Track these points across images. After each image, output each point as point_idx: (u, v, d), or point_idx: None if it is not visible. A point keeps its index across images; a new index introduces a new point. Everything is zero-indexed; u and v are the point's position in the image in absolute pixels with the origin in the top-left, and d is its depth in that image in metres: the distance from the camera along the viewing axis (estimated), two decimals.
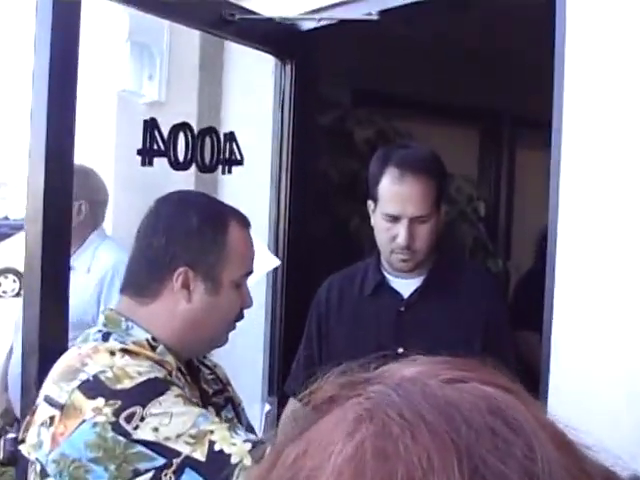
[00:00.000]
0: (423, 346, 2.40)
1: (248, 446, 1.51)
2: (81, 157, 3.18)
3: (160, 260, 1.72)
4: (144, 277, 1.75)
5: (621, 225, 1.82)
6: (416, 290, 2.56)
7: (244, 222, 1.82)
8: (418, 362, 0.67)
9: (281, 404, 3.03)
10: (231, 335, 3.42)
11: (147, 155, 2.52)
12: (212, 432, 1.51)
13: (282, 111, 3.18)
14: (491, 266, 4.28)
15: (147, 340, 1.69)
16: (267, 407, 3.00)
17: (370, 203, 2.55)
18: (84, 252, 3.24)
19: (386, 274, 2.60)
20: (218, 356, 3.46)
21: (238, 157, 2.84)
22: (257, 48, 3.11)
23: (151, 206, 1.80)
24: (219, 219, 1.77)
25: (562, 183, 1.95)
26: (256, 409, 3.01)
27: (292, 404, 2.79)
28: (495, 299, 2.60)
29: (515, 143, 5.63)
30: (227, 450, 1.50)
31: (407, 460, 0.54)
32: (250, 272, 1.83)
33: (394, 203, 2.45)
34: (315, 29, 3.01)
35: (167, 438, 1.49)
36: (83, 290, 3.12)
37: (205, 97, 3.46)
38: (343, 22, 2.86)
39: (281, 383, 3.15)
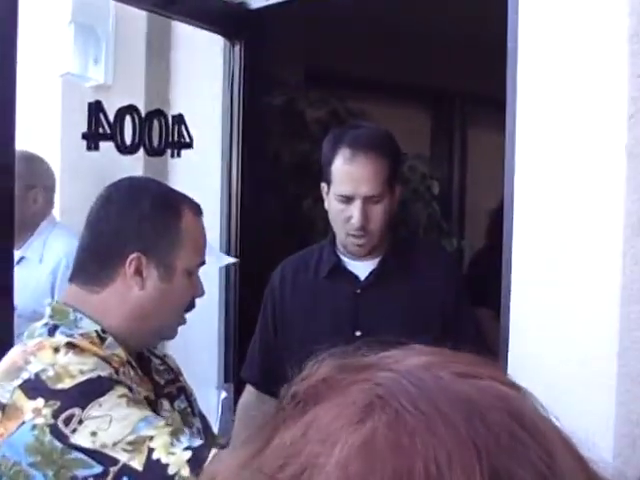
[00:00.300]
0: (380, 329, 2.40)
1: (187, 455, 1.46)
2: (26, 143, 3.12)
3: (112, 247, 1.69)
4: (95, 265, 1.70)
5: (575, 201, 1.81)
6: (372, 272, 2.52)
7: (197, 210, 1.78)
8: (419, 351, 0.63)
9: (237, 390, 3.01)
10: (190, 320, 3.40)
11: (93, 139, 2.46)
12: (152, 438, 1.47)
13: (231, 92, 3.13)
14: (445, 245, 4.28)
15: (96, 332, 1.65)
16: (223, 394, 2.97)
17: (323, 185, 2.51)
18: (35, 241, 3.17)
19: (342, 256, 2.56)
20: (174, 342, 3.42)
21: (187, 140, 2.79)
22: (204, 28, 3.06)
23: (101, 193, 1.75)
24: (173, 205, 1.73)
25: (517, 159, 1.93)
26: (212, 396, 2.98)
27: (249, 391, 2.76)
28: (453, 279, 2.57)
29: (467, 122, 5.64)
30: (164, 460, 1.45)
31: (425, 455, 0.50)
32: (203, 262, 1.79)
33: (347, 183, 2.41)
34: (265, 8, 2.96)
35: (104, 445, 1.44)
36: (36, 281, 3.06)
37: (153, 79, 3.39)
38: (293, 1, 2.81)
39: (237, 369, 3.12)
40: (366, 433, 0.52)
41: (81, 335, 1.62)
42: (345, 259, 2.55)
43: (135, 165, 3.04)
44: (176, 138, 2.75)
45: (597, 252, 1.77)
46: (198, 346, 3.32)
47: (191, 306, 1.81)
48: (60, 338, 1.59)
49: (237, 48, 3.08)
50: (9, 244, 2.28)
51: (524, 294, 1.94)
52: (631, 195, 1.66)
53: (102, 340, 1.64)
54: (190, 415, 1.85)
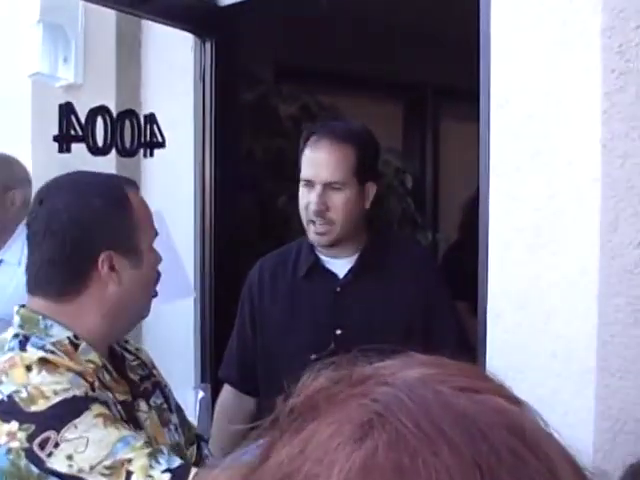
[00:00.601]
0: (360, 326, 2.40)
1: (166, 478, 1.45)
2: None
3: (79, 254, 1.64)
4: (64, 276, 1.66)
5: (551, 194, 1.81)
6: (350, 270, 2.51)
7: (135, 186, 1.78)
8: (416, 361, 0.62)
9: (215, 390, 3.00)
10: (162, 320, 3.39)
11: (64, 141, 2.43)
12: (130, 461, 1.45)
13: (203, 90, 3.11)
14: (420, 239, 4.28)
15: (68, 338, 1.62)
16: (201, 394, 2.96)
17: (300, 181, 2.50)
18: (14, 244, 3.12)
19: (320, 255, 2.54)
20: (151, 342, 3.41)
21: (160, 139, 2.76)
22: (175, 26, 3.04)
23: (38, 204, 1.69)
24: (118, 192, 1.70)
25: (492, 152, 1.93)
26: (190, 396, 2.97)
27: (226, 391, 2.76)
28: (433, 278, 2.56)
29: (439, 114, 5.64)
30: None
31: (427, 477, 0.50)
32: (156, 232, 1.79)
33: (308, 167, 2.42)
34: (234, 5, 2.94)
35: (81, 470, 1.42)
36: (15, 284, 3.02)
37: (124, 78, 3.36)
38: None
39: (214, 369, 3.10)
40: (366, 453, 0.51)
41: (53, 344, 1.59)
42: (323, 257, 2.53)
43: (107, 165, 3.01)
44: (148, 138, 2.72)
45: (574, 246, 1.77)
46: (175, 346, 3.31)
47: (158, 277, 1.80)
48: (32, 353, 1.55)
49: (207, 45, 3.06)
50: None
51: (500, 288, 1.94)
52: (607, 191, 1.66)
53: (75, 347, 1.62)
54: (167, 411, 1.84)
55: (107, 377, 1.65)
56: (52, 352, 1.57)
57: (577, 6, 1.73)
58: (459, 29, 2.91)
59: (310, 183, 2.40)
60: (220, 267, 3.18)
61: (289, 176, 4.09)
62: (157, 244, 2.68)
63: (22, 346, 1.57)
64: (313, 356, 2.37)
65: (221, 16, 3.00)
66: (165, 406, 1.84)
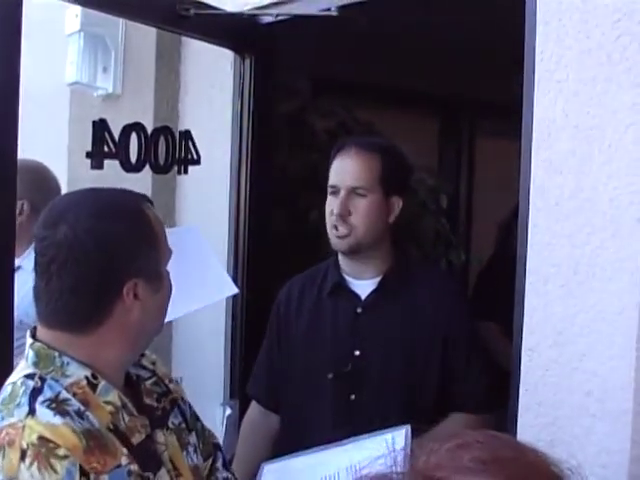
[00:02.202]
0: (379, 349, 2.42)
1: None
2: (33, 154, 3.10)
3: (106, 284, 1.55)
4: (88, 307, 1.56)
5: (590, 233, 1.79)
6: (373, 292, 2.52)
7: (148, 201, 1.68)
8: (476, 461, 0.65)
9: (243, 406, 3.00)
10: (192, 336, 3.39)
11: (97, 158, 2.43)
12: None
13: (241, 105, 3.11)
14: (453, 259, 4.26)
15: (86, 378, 1.54)
16: (228, 411, 2.97)
17: None
18: (32, 252, 3.14)
19: (345, 275, 2.56)
20: (182, 359, 3.42)
21: (195, 156, 2.76)
22: (215, 43, 3.04)
23: (49, 226, 1.57)
24: (138, 212, 1.61)
25: (532, 186, 1.91)
26: (218, 412, 2.97)
27: (253, 407, 2.76)
28: (456, 311, 2.53)
29: (474, 130, 5.61)
30: None
31: None
32: (171, 249, 1.70)
33: (334, 174, 2.49)
34: (275, 22, 2.94)
35: None
36: (26, 290, 3.03)
37: (162, 91, 3.37)
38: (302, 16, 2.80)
39: (242, 385, 3.10)
40: None
41: (69, 388, 1.51)
42: (348, 278, 2.56)
43: (143, 178, 3.02)
44: (183, 155, 2.72)
45: (613, 284, 1.75)
46: (205, 362, 3.31)
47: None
48: (39, 420, 1.45)
49: (247, 62, 3.07)
50: (10, 258, 2.24)
51: (536, 322, 1.92)
52: None
53: (94, 387, 1.54)
54: (185, 431, 1.77)
55: (126, 418, 1.58)
56: (64, 409, 1.47)
57: (623, 42, 1.71)
58: (497, 44, 2.89)
59: (335, 189, 2.47)
60: (253, 283, 3.18)
61: (323, 191, 4.11)
62: (197, 257, 2.71)
63: (31, 403, 1.47)
64: (330, 375, 2.46)
65: (261, 33, 3.00)
66: (183, 426, 1.78)
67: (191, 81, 3.40)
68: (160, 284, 1.63)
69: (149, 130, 2.73)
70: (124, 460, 1.51)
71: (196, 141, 3.05)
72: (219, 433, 2.92)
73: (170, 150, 2.66)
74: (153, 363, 1.83)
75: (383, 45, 4.04)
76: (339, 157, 2.50)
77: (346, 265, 2.55)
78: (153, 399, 1.73)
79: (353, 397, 2.45)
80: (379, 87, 4.58)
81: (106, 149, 2.43)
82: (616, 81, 1.72)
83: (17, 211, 3.12)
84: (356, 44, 3.76)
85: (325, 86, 4.35)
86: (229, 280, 2.90)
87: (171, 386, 1.83)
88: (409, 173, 2.68)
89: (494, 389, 2.39)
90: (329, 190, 2.49)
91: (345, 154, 2.49)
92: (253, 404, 2.76)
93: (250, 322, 3.14)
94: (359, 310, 2.52)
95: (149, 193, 3.30)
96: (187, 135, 2.75)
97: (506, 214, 4.12)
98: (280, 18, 2.90)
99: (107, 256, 1.54)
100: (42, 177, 3.23)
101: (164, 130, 2.65)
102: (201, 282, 2.75)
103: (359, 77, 4.30)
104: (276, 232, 3.50)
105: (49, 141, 3.78)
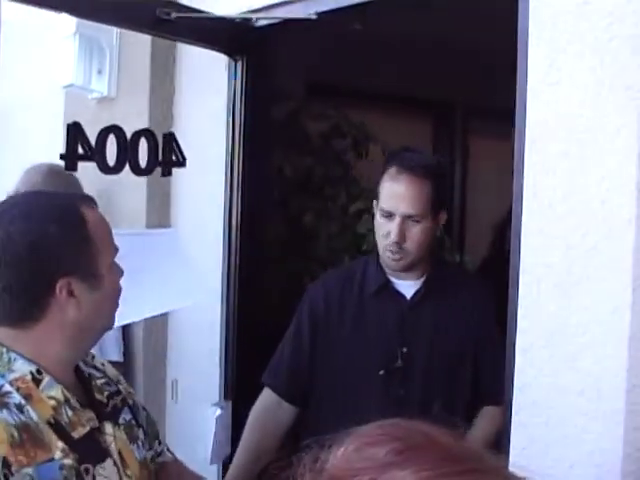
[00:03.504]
0: (423, 348, 2.54)
1: None
2: (28, 156, 3.11)
3: (36, 282, 1.61)
4: (21, 305, 1.63)
5: (584, 234, 1.80)
6: (418, 291, 2.65)
7: (91, 202, 1.73)
8: (412, 462, 0.65)
9: (236, 407, 3.01)
10: (186, 337, 3.39)
11: (70, 160, 2.45)
12: None
13: (233, 107, 3.12)
14: (447, 260, 4.25)
15: (31, 373, 1.61)
16: (218, 411, 2.98)
17: (375, 202, 2.63)
18: None
19: (390, 277, 2.67)
20: (177, 359, 3.42)
21: (179, 158, 2.76)
22: (201, 46, 3.06)
23: None
24: (74, 216, 1.65)
25: (525, 188, 1.93)
26: (208, 413, 2.99)
27: (268, 394, 2.79)
28: (488, 313, 2.64)
29: (468, 132, 5.63)
30: None
31: None
32: (117, 248, 1.74)
33: (389, 199, 2.54)
34: (268, 26, 2.95)
35: None
36: None
37: (157, 93, 3.38)
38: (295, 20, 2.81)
39: (235, 386, 3.12)
40: None
41: (13, 382, 1.58)
42: (392, 279, 2.67)
43: (138, 181, 3.03)
44: (167, 157, 2.72)
45: (606, 285, 1.76)
46: (200, 364, 3.32)
47: (120, 289, 1.77)
48: None
49: (239, 64, 3.07)
50: None
51: (530, 323, 1.93)
52: None
53: (38, 382, 1.61)
54: (135, 427, 1.85)
55: (69, 413, 1.64)
56: (4, 401, 1.55)
57: (616, 45, 1.72)
58: (489, 46, 2.91)
59: (390, 214, 2.53)
60: (247, 284, 3.18)
61: (317, 193, 4.12)
62: (171, 260, 2.73)
63: None
64: (382, 372, 2.58)
65: (254, 36, 3.00)
66: (134, 422, 1.86)
67: (186, 83, 3.41)
68: (99, 283, 1.67)
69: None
70: (58, 454, 1.57)
71: (190, 143, 3.06)
72: (210, 433, 2.94)
73: (152, 152, 2.66)
74: (103, 364, 1.92)
75: (376, 48, 4.06)
76: (392, 182, 2.55)
77: (389, 270, 2.66)
78: (104, 396, 1.80)
79: (402, 392, 2.58)
80: (372, 89, 4.59)
81: (82, 151, 2.44)
82: (608, 84, 1.73)
83: None
84: (349, 46, 3.78)
85: (319, 88, 4.35)
86: (200, 287, 2.90)
87: (121, 387, 1.91)
88: (450, 185, 2.78)
89: None
90: (381, 212, 2.56)
91: (400, 180, 2.53)
92: (267, 392, 2.79)
93: (243, 325, 3.14)
94: (406, 309, 2.65)
95: (144, 195, 3.31)
96: (171, 137, 2.75)
97: (500, 215, 4.15)
98: (261, 23, 2.92)
99: (37, 256, 1.60)
100: (71, 182, 3.28)
101: (145, 133, 2.64)
102: (172, 286, 2.78)
103: (353, 79, 4.31)
104: (271, 233, 3.51)
105: (44, 143, 3.79)
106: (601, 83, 1.74)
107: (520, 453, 1.91)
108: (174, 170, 3.05)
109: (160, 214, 3.38)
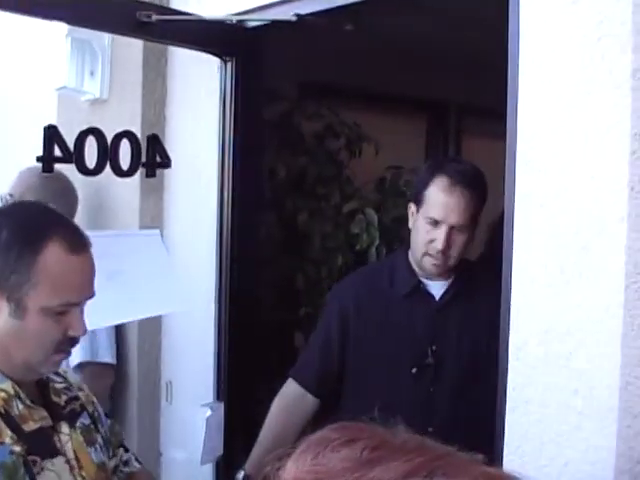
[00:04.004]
0: (452, 346, 2.63)
1: None
2: (22, 158, 3.10)
3: None
4: None
5: (576, 232, 1.80)
6: (447, 292, 2.75)
7: (70, 246, 1.64)
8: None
9: (229, 409, 3.01)
10: (181, 338, 3.39)
11: (47, 162, 2.47)
12: None
13: (224, 108, 3.12)
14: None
15: None
16: (208, 412, 2.98)
17: (411, 205, 2.74)
18: None
19: (421, 278, 2.76)
20: (171, 358, 3.42)
21: (163, 160, 2.77)
22: (186, 47, 3.06)
23: None
24: (35, 236, 1.61)
25: (517, 188, 1.93)
26: (199, 413, 2.99)
27: (295, 386, 2.86)
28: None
29: (461, 132, 5.63)
30: None
31: None
32: (75, 303, 1.67)
33: (440, 209, 2.63)
34: (260, 27, 2.95)
35: None
36: None
37: (149, 94, 3.37)
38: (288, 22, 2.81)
39: (228, 388, 3.11)
40: None
41: None
42: (424, 280, 2.76)
43: (130, 183, 3.03)
44: (150, 158, 2.72)
45: (599, 284, 1.76)
46: (193, 366, 3.32)
47: (70, 342, 1.72)
48: None
49: (229, 65, 3.07)
50: None
51: (523, 322, 1.93)
52: (633, 231, 1.65)
53: None
54: (93, 431, 1.87)
55: (20, 406, 1.66)
56: None
57: (605, 44, 1.72)
58: (483, 46, 2.91)
59: (437, 222, 2.63)
60: (240, 284, 3.18)
61: (310, 193, 4.11)
62: (153, 263, 2.72)
63: None
64: (414, 370, 2.67)
65: (246, 37, 3.00)
66: (92, 427, 1.88)
67: (178, 85, 3.40)
68: (21, 314, 1.63)
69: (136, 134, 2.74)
70: (8, 440, 1.61)
71: (183, 144, 3.06)
72: (200, 433, 2.94)
73: (134, 154, 2.66)
74: (65, 372, 1.95)
75: (369, 47, 4.06)
76: (444, 192, 2.63)
77: (421, 271, 2.75)
78: (61, 399, 1.83)
79: (432, 389, 2.67)
80: (365, 89, 4.59)
81: (59, 154, 2.45)
82: (598, 82, 1.73)
83: None
84: (342, 45, 3.77)
85: (312, 88, 4.35)
86: (181, 294, 2.89)
87: (81, 394, 1.93)
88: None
89: None
90: (429, 219, 2.64)
91: (452, 192, 2.61)
92: (292, 384, 2.87)
93: (237, 325, 3.14)
94: (435, 310, 2.75)
95: (137, 196, 3.31)
96: (154, 139, 2.75)
97: (494, 214, 4.14)
98: (258, 23, 2.92)
99: None
100: (65, 186, 3.28)
101: (127, 134, 2.65)
102: (155, 291, 2.76)
103: (346, 79, 4.30)
104: (264, 234, 3.50)
105: (37, 145, 3.78)
106: (591, 81, 1.75)
107: (514, 451, 1.92)
108: (167, 171, 3.06)
109: (153, 215, 3.38)
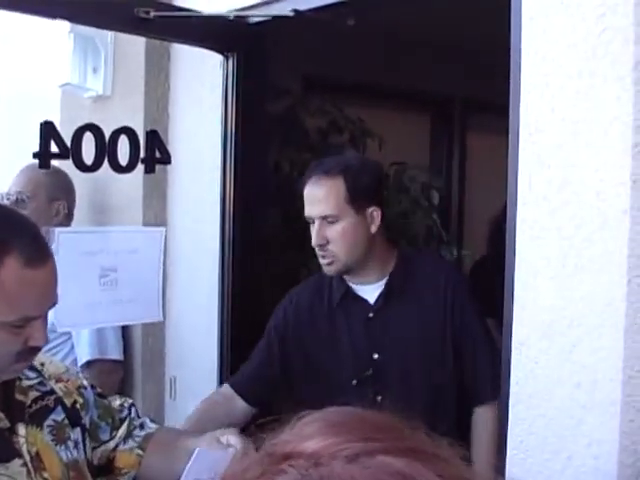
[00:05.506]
0: (397, 349, 2.50)
1: None
2: (24, 155, 3.10)
3: None
4: None
5: (578, 226, 1.80)
6: (380, 295, 2.58)
7: (31, 258, 1.56)
8: (316, 431, 0.67)
9: None
10: (185, 339, 3.39)
11: (43, 158, 2.46)
12: None
13: (226, 104, 3.12)
14: (446, 254, 4.26)
15: None
16: None
17: None
18: None
19: (350, 283, 2.62)
20: (175, 361, 3.42)
21: (163, 156, 2.76)
22: (185, 43, 3.06)
23: None
24: None
25: (520, 181, 1.92)
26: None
27: (224, 388, 2.80)
28: (458, 292, 2.58)
29: (466, 128, 5.62)
30: None
31: None
32: (31, 317, 1.60)
33: (305, 204, 2.55)
34: (263, 22, 2.95)
35: None
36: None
37: (152, 91, 3.38)
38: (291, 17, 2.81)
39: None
40: None
41: None
42: (354, 285, 2.61)
43: (134, 179, 3.03)
44: (149, 154, 2.71)
45: (601, 277, 1.76)
46: (197, 362, 3.32)
47: (30, 352, 1.66)
48: None
49: (231, 61, 3.07)
50: None
51: (526, 315, 1.92)
52: (635, 224, 1.65)
53: None
54: (68, 427, 1.80)
55: None
56: None
57: (608, 36, 1.72)
58: (487, 42, 2.90)
59: (310, 219, 2.53)
60: (243, 279, 3.18)
61: None
62: (144, 261, 2.70)
63: None
64: (354, 381, 2.54)
65: (248, 32, 3.00)
66: (66, 422, 1.81)
67: (181, 81, 3.40)
68: None
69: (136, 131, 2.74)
70: None
71: (187, 140, 3.06)
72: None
73: (133, 150, 2.66)
74: (42, 364, 1.84)
75: (373, 43, 4.06)
76: (306, 186, 2.54)
77: (348, 276, 2.61)
78: (27, 397, 1.75)
79: (379, 398, 2.50)
80: (370, 84, 4.59)
81: (57, 150, 2.45)
82: (601, 75, 1.73)
83: (54, 212, 3.23)
84: (347, 41, 3.77)
85: (316, 84, 4.35)
86: (158, 306, 2.82)
87: (59, 385, 1.85)
88: (379, 183, 2.67)
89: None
90: (307, 221, 2.56)
91: (310, 183, 2.53)
92: (225, 388, 2.79)
93: (239, 323, 3.14)
94: (370, 315, 2.59)
95: (140, 192, 3.32)
96: (153, 135, 2.75)
97: (497, 210, 4.14)
98: (264, 18, 2.92)
99: None
100: (69, 180, 3.30)
101: (125, 130, 2.65)
102: (133, 298, 2.72)
103: (351, 74, 4.30)
104: (268, 230, 3.50)
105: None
106: (594, 74, 1.74)
107: (518, 446, 1.91)
108: (171, 167, 3.06)
109: (157, 212, 3.38)
